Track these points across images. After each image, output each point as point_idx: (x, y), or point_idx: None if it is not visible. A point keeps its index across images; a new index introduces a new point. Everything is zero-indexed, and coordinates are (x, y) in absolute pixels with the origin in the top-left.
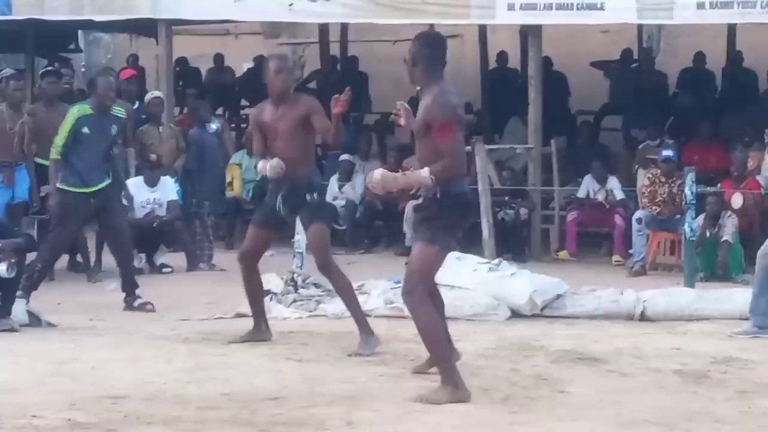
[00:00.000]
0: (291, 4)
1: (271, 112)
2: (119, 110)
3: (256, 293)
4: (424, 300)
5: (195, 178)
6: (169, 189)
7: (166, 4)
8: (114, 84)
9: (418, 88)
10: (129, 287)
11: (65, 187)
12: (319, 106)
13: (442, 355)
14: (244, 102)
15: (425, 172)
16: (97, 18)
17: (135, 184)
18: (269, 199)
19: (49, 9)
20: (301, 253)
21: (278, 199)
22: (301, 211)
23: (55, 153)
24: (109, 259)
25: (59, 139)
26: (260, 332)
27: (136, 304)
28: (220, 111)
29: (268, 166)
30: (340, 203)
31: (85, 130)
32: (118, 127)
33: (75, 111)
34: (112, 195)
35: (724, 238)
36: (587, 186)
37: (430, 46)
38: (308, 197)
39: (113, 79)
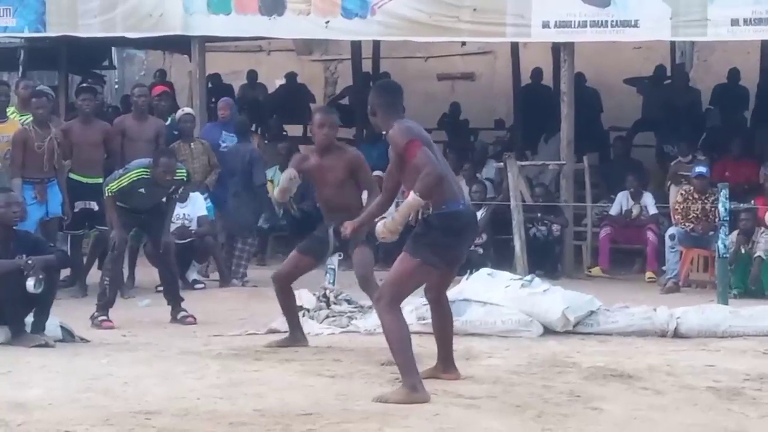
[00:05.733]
0: (327, 22)
1: (316, 161)
2: (181, 173)
3: (289, 307)
4: (392, 308)
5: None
6: (199, 205)
7: (199, 21)
8: (174, 166)
9: (383, 133)
10: (174, 301)
11: (118, 203)
12: (364, 162)
13: (404, 359)
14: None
15: (411, 196)
16: (130, 35)
17: None
18: (319, 232)
19: (82, 26)
20: (333, 269)
21: (329, 233)
22: (350, 240)
23: (108, 191)
24: (140, 276)
25: (114, 186)
26: (296, 339)
27: (179, 316)
28: (253, 127)
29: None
30: None
31: (142, 190)
32: (177, 186)
33: (134, 173)
34: (160, 212)
35: (757, 254)
36: (621, 203)
37: (384, 95)
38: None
39: (175, 161)
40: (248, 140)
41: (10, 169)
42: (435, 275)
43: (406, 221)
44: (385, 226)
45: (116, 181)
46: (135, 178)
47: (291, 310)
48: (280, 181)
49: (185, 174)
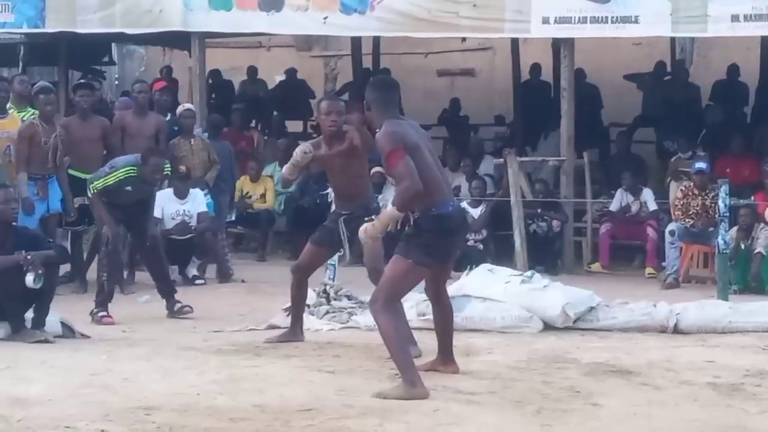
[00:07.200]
0: (326, 18)
1: (325, 150)
2: (165, 168)
3: (300, 300)
4: (387, 309)
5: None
6: (198, 201)
7: (198, 17)
8: (163, 165)
9: (377, 130)
10: (167, 294)
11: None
12: (364, 131)
13: (402, 358)
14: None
15: (390, 207)
16: (129, 31)
17: (164, 196)
18: (330, 222)
19: (81, 22)
20: (334, 265)
21: (340, 222)
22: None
23: (93, 189)
24: (140, 272)
25: (99, 184)
26: (294, 335)
27: (176, 308)
28: (253, 123)
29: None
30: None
31: (129, 188)
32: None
33: (122, 172)
34: (144, 205)
35: (757, 251)
36: (620, 199)
37: (380, 90)
38: (366, 220)
39: (164, 161)
40: (220, 138)
41: (16, 164)
42: (429, 273)
43: (387, 229)
44: (367, 232)
45: (102, 180)
46: (122, 177)
47: (299, 304)
48: (293, 155)
49: (168, 168)
